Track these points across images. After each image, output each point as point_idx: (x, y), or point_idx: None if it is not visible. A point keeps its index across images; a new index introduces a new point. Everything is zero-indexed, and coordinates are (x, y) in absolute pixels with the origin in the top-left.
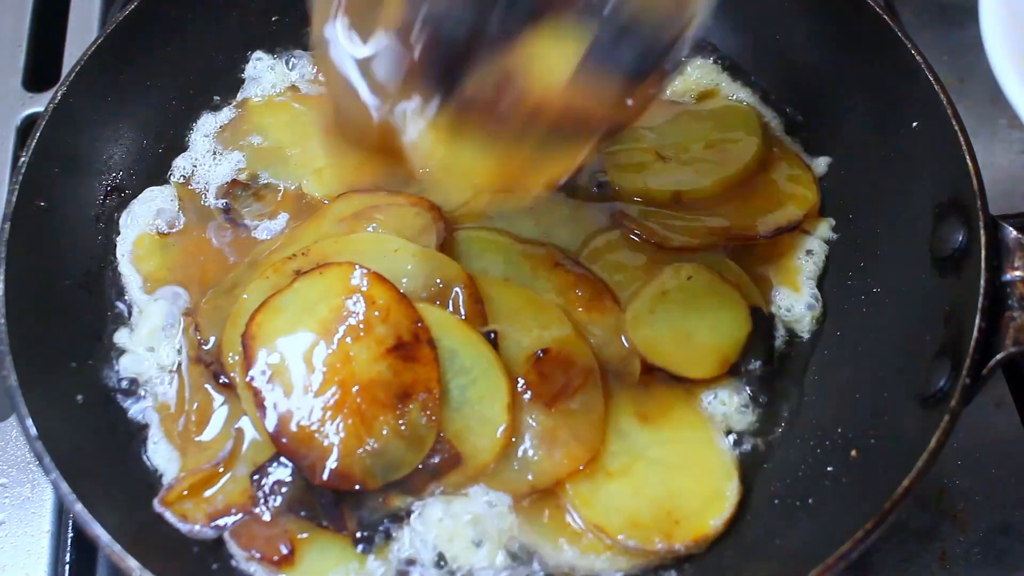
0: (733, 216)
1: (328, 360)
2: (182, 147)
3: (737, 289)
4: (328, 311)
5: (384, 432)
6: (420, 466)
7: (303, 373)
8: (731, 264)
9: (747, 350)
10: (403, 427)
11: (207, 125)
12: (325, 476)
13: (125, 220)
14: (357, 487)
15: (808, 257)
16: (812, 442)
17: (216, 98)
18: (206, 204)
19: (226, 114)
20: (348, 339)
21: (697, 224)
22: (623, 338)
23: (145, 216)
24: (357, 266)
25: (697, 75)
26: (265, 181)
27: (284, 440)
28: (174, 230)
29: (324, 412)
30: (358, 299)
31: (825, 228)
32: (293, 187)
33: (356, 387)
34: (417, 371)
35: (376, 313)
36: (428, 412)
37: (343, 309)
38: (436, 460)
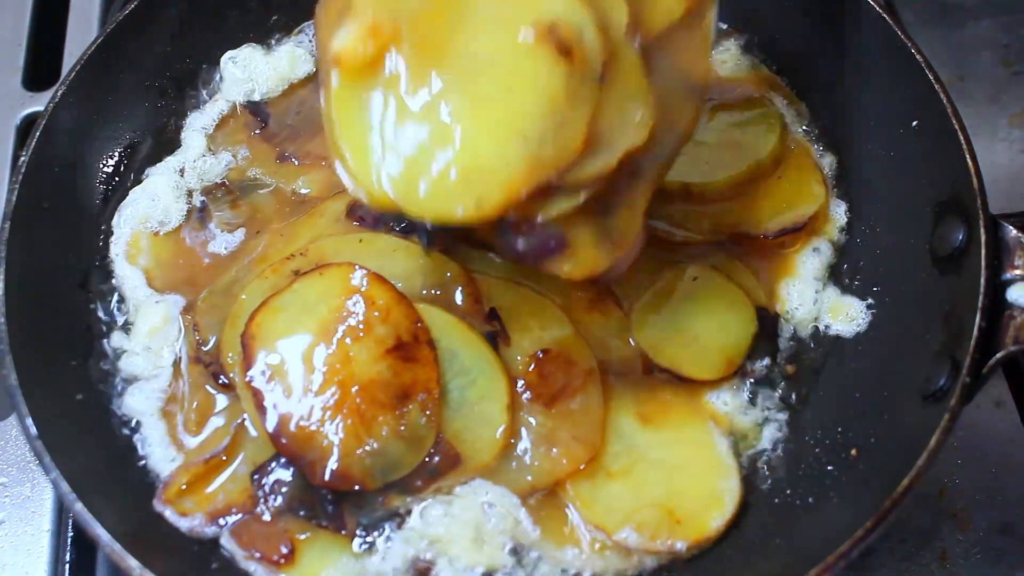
0: (740, 214)
1: (328, 360)
2: (179, 146)
3: (743, 289)
4: (328, 311)
5: (384, 432)
6: (419, 466)
7: (303, 373)
8: (737, 264)
9: (752, 350)
10: (402, 427)
11: (204, 124)
12: (325, 476)
13: (118, 220)
14: (356, 487)
15: (814, 257)
16: (812, 441)
17: (214, 97)
18: (194, 203)
19: (223, 113)
20: (348, 339)
21: (703, 220)
22: (629, 338)
23: (140, 215)
24: (357, 266)
25: (729, 63)
26: (259, 181)
27: (284, 440)
28: (168, 229)
29: (324, 412)
30: (358, 299)
31: (832, 229)
32: (288, 186)
33: (356, 387)
34: (416, 371)
35: (376, 313)
36: (427, 412)
37: (343, 309)
38: (435, 460)
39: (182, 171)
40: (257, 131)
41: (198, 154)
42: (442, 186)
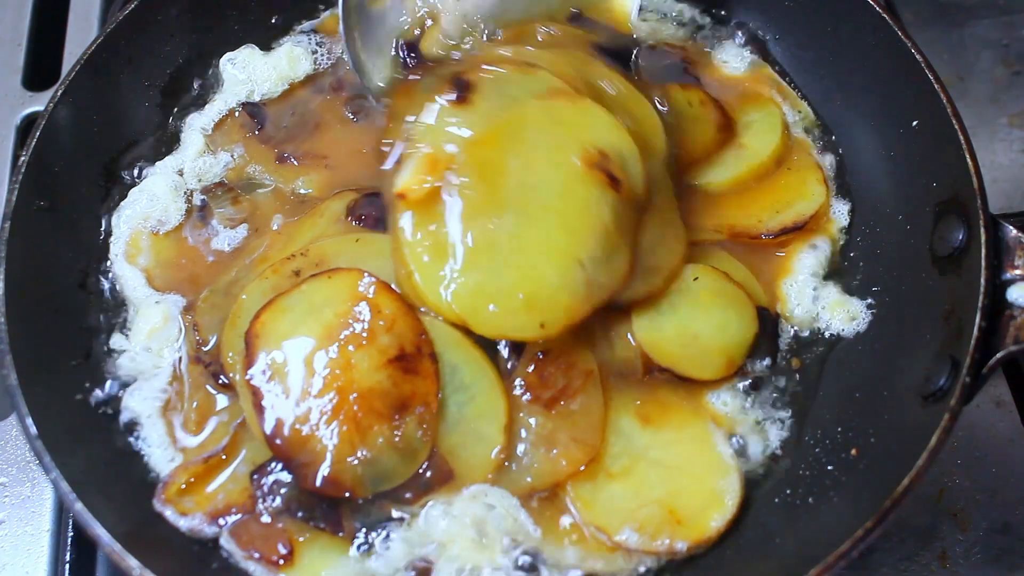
0: (741, 213)
1: (329, 365)
2: (178, 145)
3: (743, 289)
4: (333, 316)
5: (378, 442)
6: (411, 479)
7: (303, 376)
8: (738, 264)
9: (752, 350)
10: (397, 439)
11: (203, 124)
12: (317, 481)
13: (118, 219)
14: (347, 494)
15: (814, 257)
16: (812, 441)
17: (213, 97)
18: (193, 202)
19: (222, 113)
20: (350, 346)
21: (703, 220)
22: (629, 338)
23: (139, 215)
24: (366, 273)
25: (729, 63)
26: (258, 181)
27: (278, 441)
28: (167, 228)
29: (320, 416)
30: (364, 306)
31: (832, 228)
32: (287, 186)
33: (354, 394)
34: (416, 384)
35: (381, 322)
36: (424, 426)
37: (349, 315)
38: (428, 475)
39: (181, 171)
40: (255, 132)
41: (197, 154)
42: (509, 308)
